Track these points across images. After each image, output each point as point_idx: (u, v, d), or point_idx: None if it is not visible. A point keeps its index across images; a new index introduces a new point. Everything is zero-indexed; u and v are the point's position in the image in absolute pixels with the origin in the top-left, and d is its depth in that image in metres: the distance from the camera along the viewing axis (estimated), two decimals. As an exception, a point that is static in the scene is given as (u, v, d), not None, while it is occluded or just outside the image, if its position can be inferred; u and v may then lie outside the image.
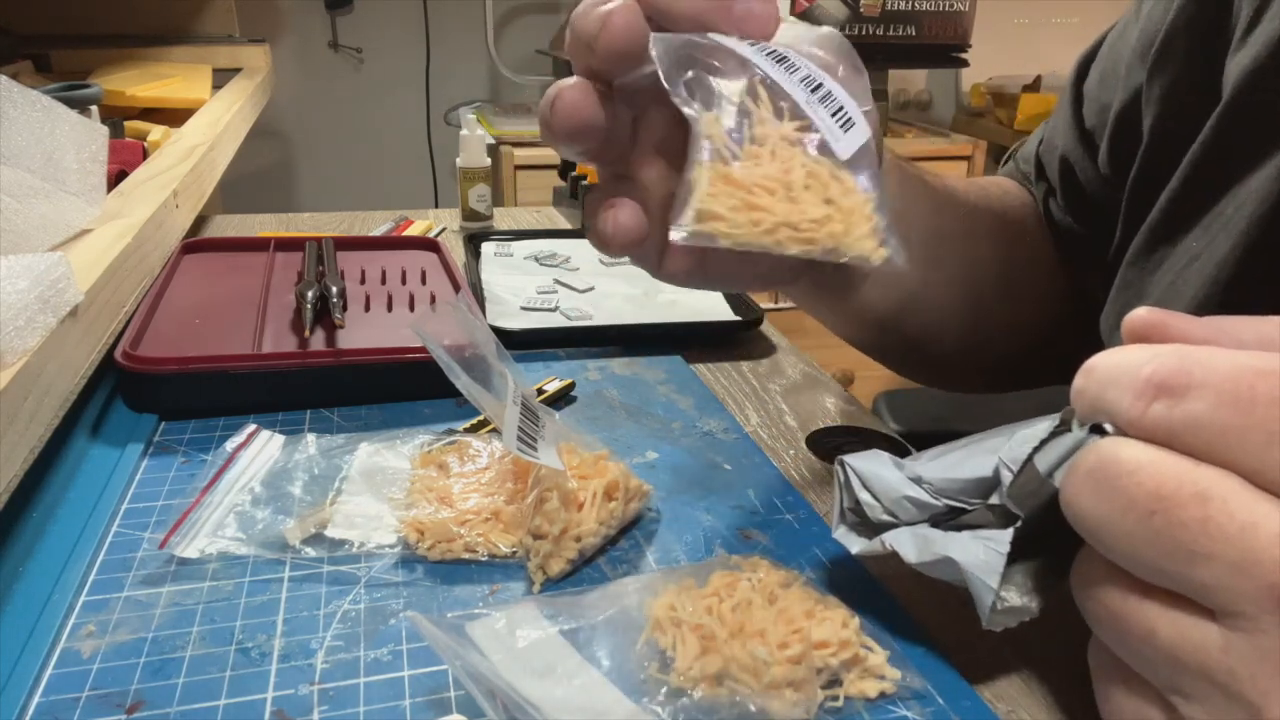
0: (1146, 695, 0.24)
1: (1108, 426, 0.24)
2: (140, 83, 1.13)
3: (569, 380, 0.53)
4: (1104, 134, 0.50)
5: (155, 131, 0.90)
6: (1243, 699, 0.22)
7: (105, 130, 0.59)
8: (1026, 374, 0.60)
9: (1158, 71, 0.45)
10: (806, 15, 1.79)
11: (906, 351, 0.53)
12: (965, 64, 1.96)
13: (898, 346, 0.52)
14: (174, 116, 1.04)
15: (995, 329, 0.56)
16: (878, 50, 1.87)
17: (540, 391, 0.51)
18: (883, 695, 0.31)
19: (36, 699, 0.30)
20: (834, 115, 0.28)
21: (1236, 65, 0.40)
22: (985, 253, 0.52)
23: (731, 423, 0.50)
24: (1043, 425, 0.27)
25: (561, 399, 0.52)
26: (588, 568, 0.38)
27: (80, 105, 0.79)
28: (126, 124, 0.92)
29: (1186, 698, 0.23)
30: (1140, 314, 0.25)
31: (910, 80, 2.39)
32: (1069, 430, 0.26)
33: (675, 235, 0.27)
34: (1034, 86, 2.07)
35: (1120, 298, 0.46)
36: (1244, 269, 0.37)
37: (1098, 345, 0.26)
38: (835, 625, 0.31)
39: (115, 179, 0.68)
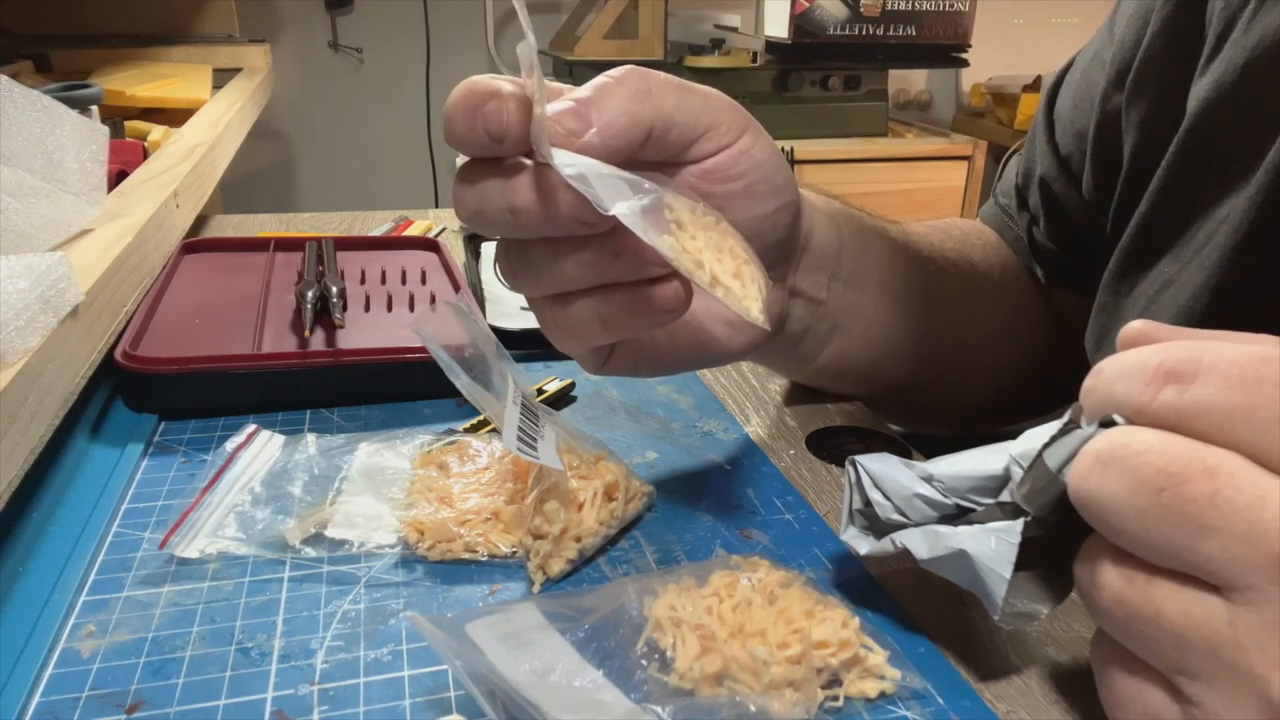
0: (1149, 678, 0.24)
1: (1117, 418, 0.25)
2: (140, 83, 1.13)
3: (569, 380, 0.53)
4: (1082, 159, 0.50)
5: (155, 131, 0.90)
6: (1250, 673, 0.22)
7: (105, 130, 0.59)
8: (1020, 407, 0.60)
9: (1135, 98, 0.45)
10: (806, 15, 1.79)
11: (893, 399, 0.53)
12: (965, 64, 1.96)
13: (883, 395, 0.53)
14: (174, 116, 1.04)
15: (983, 368, 0.56)
16: (878, 50, 1.87)
17: (540, 391, 0.51)
18: (883, 695, 0.31)
19: (36, 699, 0.30)
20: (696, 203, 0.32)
21: (1198, 91, 0.40)
22: (959, 295, 0.52)
23: (731, 423, 0.50)
24: (1052, 423, 0.27)
25: (561, 399, 0.52)
26: (588, 568, 0.38)
27: (80, 105, 0.79)
28: (126, 124, 0.92)
29: (1192, 677, 0.23)
30: (1136, 325, 0.26)
31: (910, 80, 2.39)
32: (1078, 427, 0.26)
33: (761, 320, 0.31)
34: (1034, 86, 2.07)
35: (1098, 319, 0.46)
36: (1218, 300, 0.38)
37: (1087, 371, 0.27)
38: (835, 625, 0.31)
39: (115, 179, 0.68)
